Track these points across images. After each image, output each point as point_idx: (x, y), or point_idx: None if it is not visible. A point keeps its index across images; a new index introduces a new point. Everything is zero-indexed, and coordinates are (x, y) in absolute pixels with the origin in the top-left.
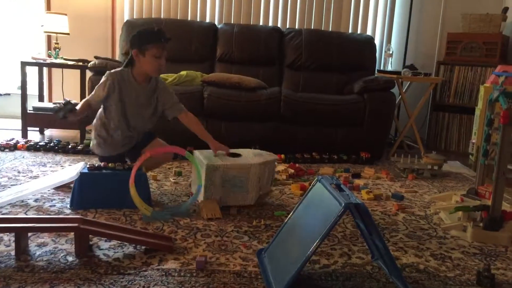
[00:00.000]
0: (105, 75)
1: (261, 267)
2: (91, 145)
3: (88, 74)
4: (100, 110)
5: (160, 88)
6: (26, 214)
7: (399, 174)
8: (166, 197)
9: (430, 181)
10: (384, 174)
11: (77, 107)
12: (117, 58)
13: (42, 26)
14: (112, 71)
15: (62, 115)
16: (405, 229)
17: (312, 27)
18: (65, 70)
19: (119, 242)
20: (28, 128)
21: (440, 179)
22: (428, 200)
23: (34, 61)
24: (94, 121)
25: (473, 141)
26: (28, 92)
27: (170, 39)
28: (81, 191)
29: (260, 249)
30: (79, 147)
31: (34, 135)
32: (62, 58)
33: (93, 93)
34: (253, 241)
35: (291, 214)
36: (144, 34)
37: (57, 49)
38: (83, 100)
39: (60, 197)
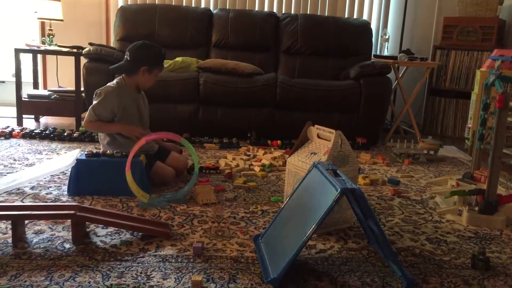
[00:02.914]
0: (103, 91)
1: (257, 253)
2: (101, 146)
3: (83, 60)
4: None
5: (144, 96)
6: (23, 202)
7: (395, 159)
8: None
9: (426, 166)
10: (380, 159)
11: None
12: (111, 44)
13: (35, 12)
14: (110, 88)
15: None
16: (401, 213)
17: (308, 12)
18: (59, 57)
19: (116, 228)
20: (23, 116)
21: (436, 164)
22: (424, 185)
23: (28, 48)
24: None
25: (469, 125)
26: (22, 80)
27: None
28: (78, 178)
29: (256, 235)
30: (74, 134)
31: (29, 123)
32: (56, 45)
33: (95, 110)
34: (250, 227)
35: (287, 199)
36: (158, 56)
37: (51, 36)
38: (95, 122)
39: (57, 185)
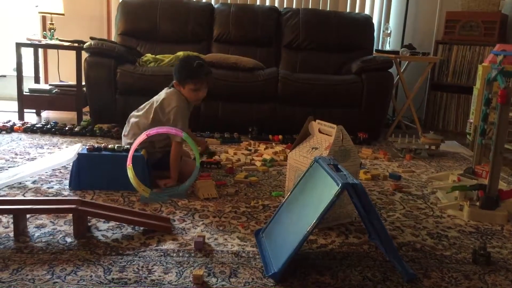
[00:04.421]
0: (176, 103)
1: (259, 247)
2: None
3: (84, 55)
4: (143, 120)
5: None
6: (24, 196)
7: (396, 154)
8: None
9: (428, 161)
10: (381, 154)
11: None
12: (112, 38)
13: (36, 6)
14: (179, 99)
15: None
16: (402, 208)
17: (310, 7)
18: (60, 51)
19: (117, 223)
20: (25, 110)
21: (438, 159)
22: (425, 180)
23: (29, 42)
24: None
25: (471, 120)
26: (24, 74)
27: (210, 72)
28: (79, 172)
29: (258, 230)
30: (76, 129)
31: (30, 117)
32: (57, 39)
33: (180, 121)
34: (251, 222)
35: (288, 194)
36: (183, 71)
37: (52, 30)
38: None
39: (58, 179)
